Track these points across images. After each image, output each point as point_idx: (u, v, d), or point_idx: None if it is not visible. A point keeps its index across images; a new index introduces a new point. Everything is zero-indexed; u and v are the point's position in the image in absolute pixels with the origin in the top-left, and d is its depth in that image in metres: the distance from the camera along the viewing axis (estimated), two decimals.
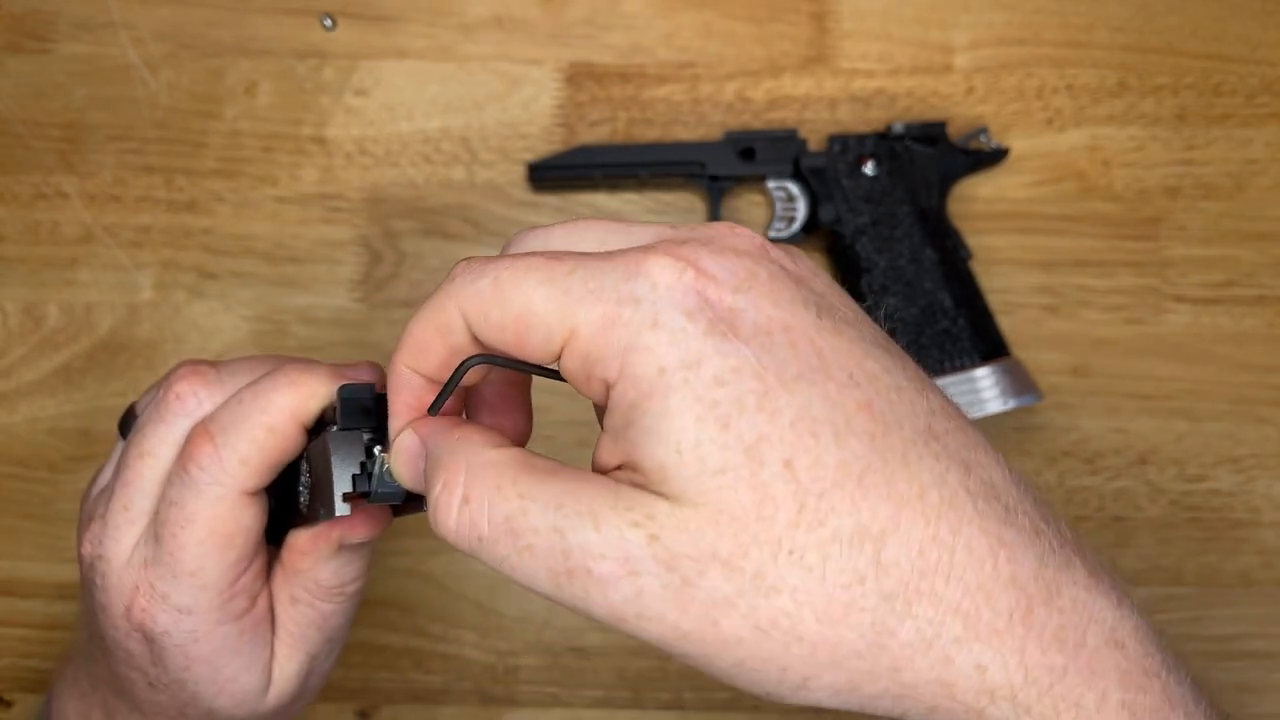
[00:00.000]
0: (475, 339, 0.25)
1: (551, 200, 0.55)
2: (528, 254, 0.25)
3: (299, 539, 0.33)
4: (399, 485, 0.28)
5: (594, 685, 0.51)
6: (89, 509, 0.34)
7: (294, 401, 0.31)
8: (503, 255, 0.25)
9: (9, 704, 0.51)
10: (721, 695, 0.51)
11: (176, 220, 0.54)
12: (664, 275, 0.23)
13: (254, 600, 0.33)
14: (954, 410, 0.25)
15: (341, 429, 0.29)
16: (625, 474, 0.24)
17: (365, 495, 0.29)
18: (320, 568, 0.33)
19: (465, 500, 0.24)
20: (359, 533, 0.32)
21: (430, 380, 0.27)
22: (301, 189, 0.55)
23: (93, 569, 0.33)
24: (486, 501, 0.24)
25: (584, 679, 0.51)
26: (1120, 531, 0.52)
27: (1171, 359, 0.53)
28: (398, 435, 0.27)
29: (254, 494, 0.32)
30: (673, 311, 0.23)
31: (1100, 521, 0.52)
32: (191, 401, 0.32)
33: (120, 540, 0.32)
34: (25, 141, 0.55)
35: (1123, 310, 0.54)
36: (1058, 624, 0.23)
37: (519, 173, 0.55)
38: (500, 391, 0.29)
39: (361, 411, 0.29)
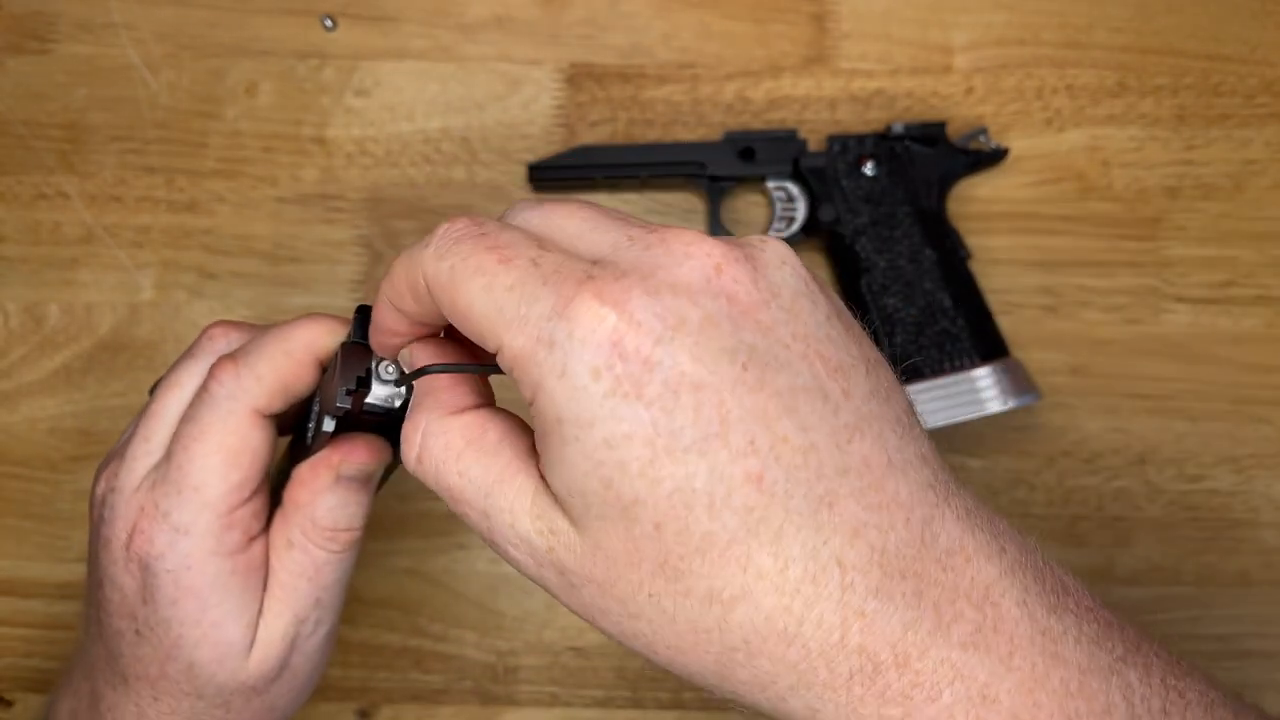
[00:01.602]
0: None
1: None
2: (487, 247, 0.26)
3: (301, 469, 0.34)
4: (398, 383, 0.31)
5: (594, 685, 0.51)
6: (109, 455, 0.35)
7: (312, 334, 0.33)
8: (478, 230, 0.26)
9: (9, 704, 0.51)
10: None
11: (177, 220, 0.55)
12: (584, 322, 0.23)
13: (249, 541, 0.34)
14: (882, 455, 0.25)
15: (354, 341, 0.32)
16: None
17: (366, 388, 0.31)
18: (318, 501, 0.34)
19: (419, 460, 0.28)
20: (358, 457, 0.33)
21: (407, 316, 0.29)
22: (302, 189, 0.55)
23: (104, 504, 0.34)
24: (435, 467, 0.28)
25: (584, 679, 0.51)
26: (1119, 531, 0.52)
27: (1171, 359, 0.53)
28: (379, 349, 0.31)
29: (265, 417, 0.33)
30: (580, 366, 0.23)
31: (1099, 521, 0.52)
32: (222, 342, 0.35)
33: (135, 470, 0.34)
34: (26, 142, 0.55)
35: (1122, 310, 0.54)
36: (909, 683, 0.24)
37: (519, 173, 0.55)
38: None
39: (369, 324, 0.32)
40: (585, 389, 0.23)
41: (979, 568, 0.25)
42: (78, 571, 0.51)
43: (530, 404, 0.25)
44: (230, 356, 0.33)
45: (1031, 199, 0.55)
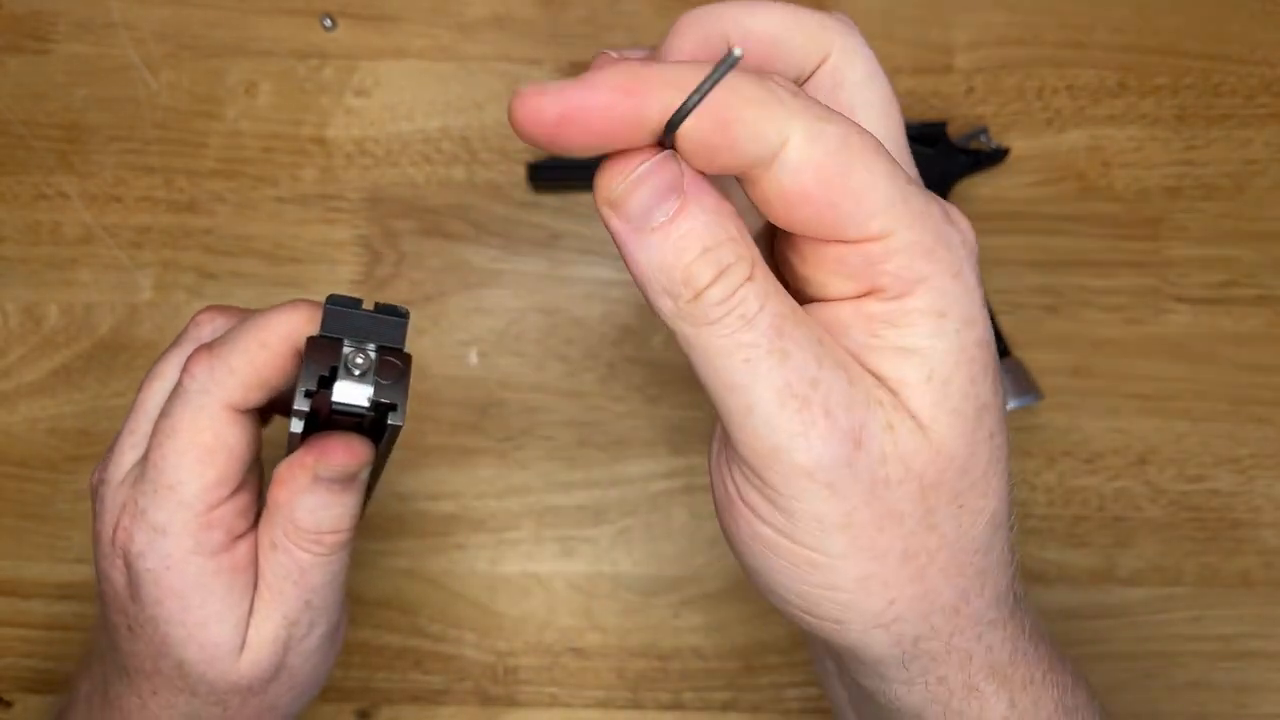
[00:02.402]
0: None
1: (552, 200, 0.55)
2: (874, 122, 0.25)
3: (280, 468, 0.32)
4: (368, 386, 0.28)
5: (594, 685, 0.51)
6: (108, 447, 0.35)
7: (290, 323, 0.31)
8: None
9: (9, 704, 0.51)
10: (721, 695, 0.51)
11: (177, 220, 0.54)
12: (968, 237, 0.25)
13: (233, 540, 0.33)
14: None
15: (321, 335, 0.29)
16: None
17: (329, 384, 0.28)
18: (297, 502, 0.32)
19: (738, 258, 0.23)
20: (335, 457, 0.31)
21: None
22: (301, 189, 0.55)
23: (95, 496, 0.33)
24: (770, 287, 0.23)
25: (584, 679, 0.51)
26: (1120, 531, 0.52)
27: (1172, 359, 0.53)
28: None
29: (241, 412, 0.32)
30: (969, 271, 0.24)
31: (1100, 521, 0.52)
32: (208, 329, 0.34)
33: (121, 464, 0.33)
34: (26, 142, 0.55)
35: (1123, 310, 0.54)
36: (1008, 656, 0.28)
37: (519, 173, 0.55)
38: None
39: (343, 319, 0.29)
40: (971, 291, 0.24)
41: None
42: (78, 572, 0.51)
43: (898, 296, 0.24)
44: (206, 347, 0.32)
45: (1032, 199, 0.55)
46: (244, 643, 0.33)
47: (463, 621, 0.51)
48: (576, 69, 0.56)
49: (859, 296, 0.24)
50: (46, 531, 0.52)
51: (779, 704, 0.51)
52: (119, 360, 0.53)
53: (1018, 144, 0.55)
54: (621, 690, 0.51)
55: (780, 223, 0.24)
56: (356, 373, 0.29)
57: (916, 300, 0.24)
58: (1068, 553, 0.52)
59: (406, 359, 0.29)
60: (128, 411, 0.34)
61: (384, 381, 0.29)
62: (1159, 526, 0.52)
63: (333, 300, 0.30)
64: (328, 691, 0.50)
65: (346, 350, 0.29)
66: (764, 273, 0.23)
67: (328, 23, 0.56)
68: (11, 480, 0.52)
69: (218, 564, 0.32)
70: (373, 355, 0.29)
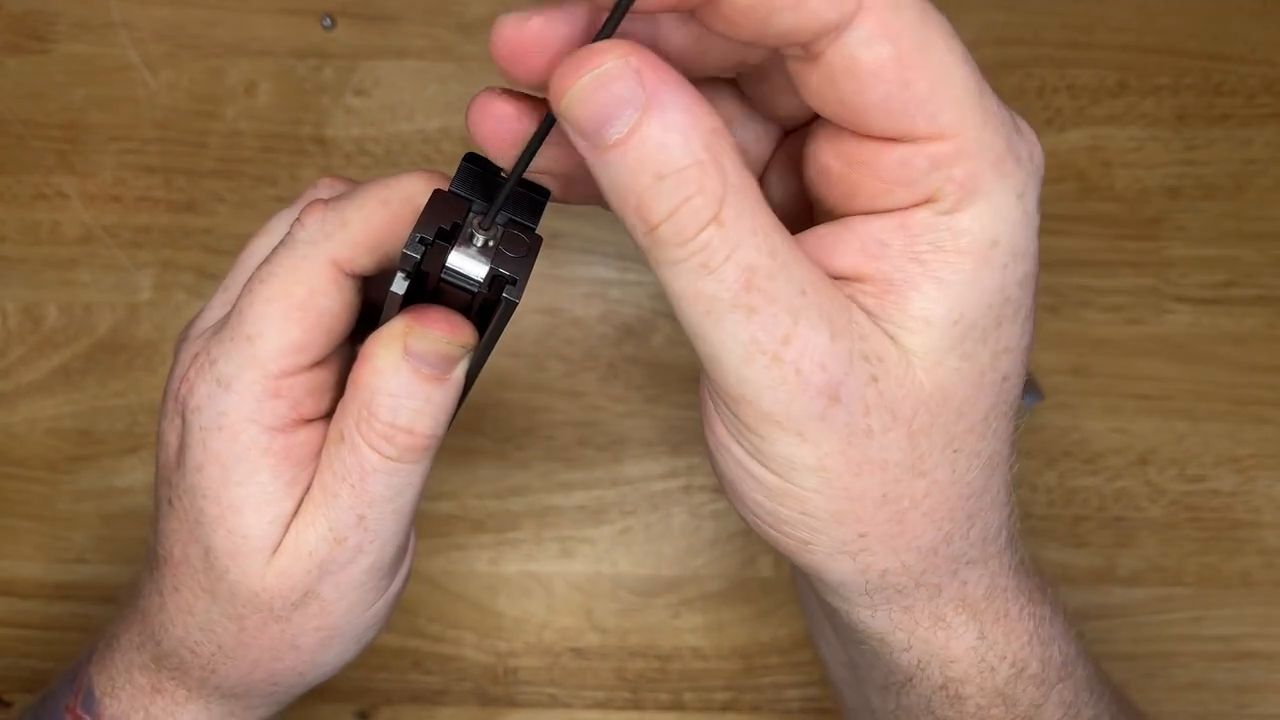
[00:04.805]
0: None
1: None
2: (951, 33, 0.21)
3: (366, 342, 0.28)
4: (487, 259, 0.25)
5: (593, 686, 0.51)
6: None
7: (415, 186, 0.28)
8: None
9: (8, 704, 0.50)
10: (721, 696, 0.51)
11: (176, 220, 0.54)
12: (1035, 153, 0.22)
13: (297, 423, 0.29)
14: None
15: (450, 191, 0.26)
16: (855, 289, 0.22)
17: (447, 241, 0.25)
18: (378, 383, 0.27)
19: (703, 190, 0.19)
20: (434, 326, 0.27)
21: None
22: (301, 189, 0.55)
23: (176, 352, 0.31)
24: (743, 232, 0.20)
25: (583, 680, 0.51)
26: (1120, 531, 0.52)
27: (1172, 359, 0.53)
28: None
29: (345, 275, 0.28)
30: (1031, 194, 0.22)
31: (1100, 521, 0.52)
32: (325, 191, 0.31)
33: (207, 317, 0.31)
34: (25, 142, 0.55)
35: (1123, 310, 0.54)
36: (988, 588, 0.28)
37: None
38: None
39: (477, 181, 0.26)
40: (1030, 218, 0.22)
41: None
42: (76, 572, 0.51)
43: (952, 210, 0.21)
44: (321, 199, 0.29)
45: None
46: (278, 547, 0.29)
47: (462, 621, 0.51)
48: None
49: (908, 208, 0.22)
50: (45, 532, 0.52)
51: (779, 704, 0.51)
52: (118, 360, 0.53)
53: None
54: (621, 690, 0.51)
55: (836, 111, 0.21)
56: (478, 243, 0.25)
57: (970, 218, 0.21)
58: (1068, 553, 0.52)
59: (536, 239, 0.26)
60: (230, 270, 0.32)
61: (508, 254, 0.26)
62: (1159, 526, 0.52)
63: (470, 159, 0.26)
64: (326, 691, 0.50)
65: (473, 215, 0.26)
66: (738, 210, 0.20)
67: (327, 22, 0.56)
68: (11, 480, 0.52)
69: (271, 441, 0.28)
70: (500, 228, 0.26)
